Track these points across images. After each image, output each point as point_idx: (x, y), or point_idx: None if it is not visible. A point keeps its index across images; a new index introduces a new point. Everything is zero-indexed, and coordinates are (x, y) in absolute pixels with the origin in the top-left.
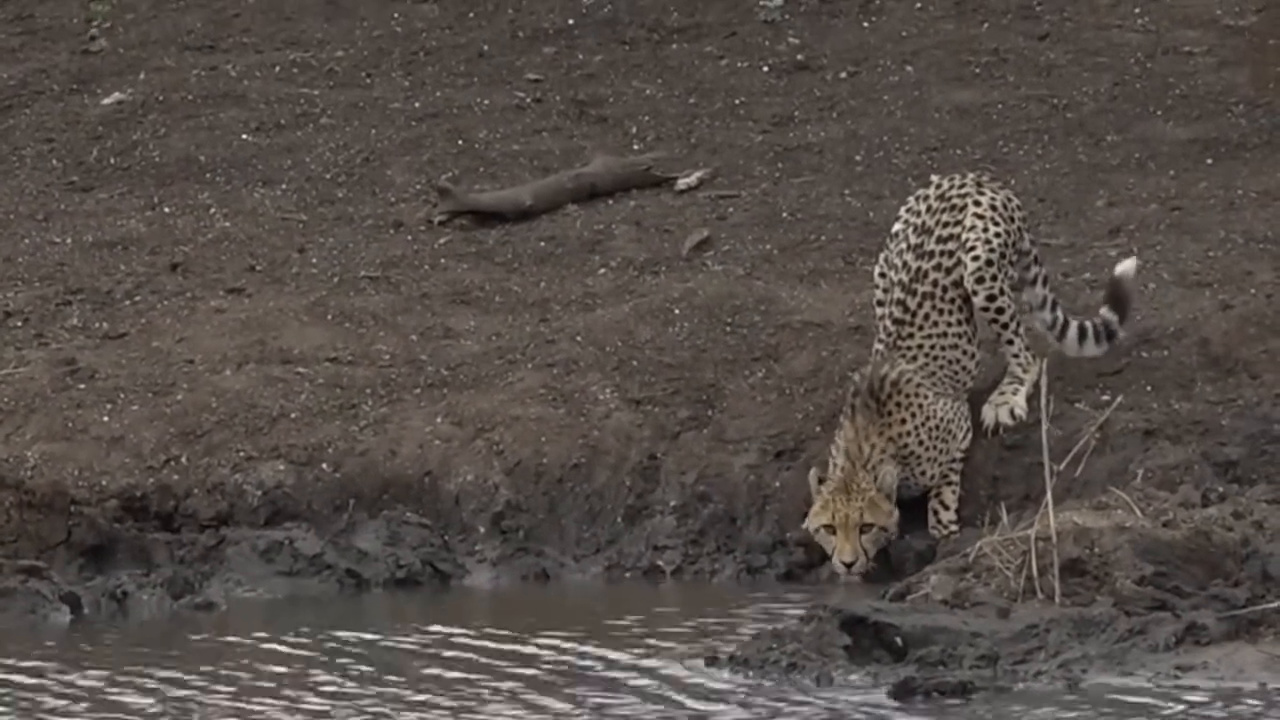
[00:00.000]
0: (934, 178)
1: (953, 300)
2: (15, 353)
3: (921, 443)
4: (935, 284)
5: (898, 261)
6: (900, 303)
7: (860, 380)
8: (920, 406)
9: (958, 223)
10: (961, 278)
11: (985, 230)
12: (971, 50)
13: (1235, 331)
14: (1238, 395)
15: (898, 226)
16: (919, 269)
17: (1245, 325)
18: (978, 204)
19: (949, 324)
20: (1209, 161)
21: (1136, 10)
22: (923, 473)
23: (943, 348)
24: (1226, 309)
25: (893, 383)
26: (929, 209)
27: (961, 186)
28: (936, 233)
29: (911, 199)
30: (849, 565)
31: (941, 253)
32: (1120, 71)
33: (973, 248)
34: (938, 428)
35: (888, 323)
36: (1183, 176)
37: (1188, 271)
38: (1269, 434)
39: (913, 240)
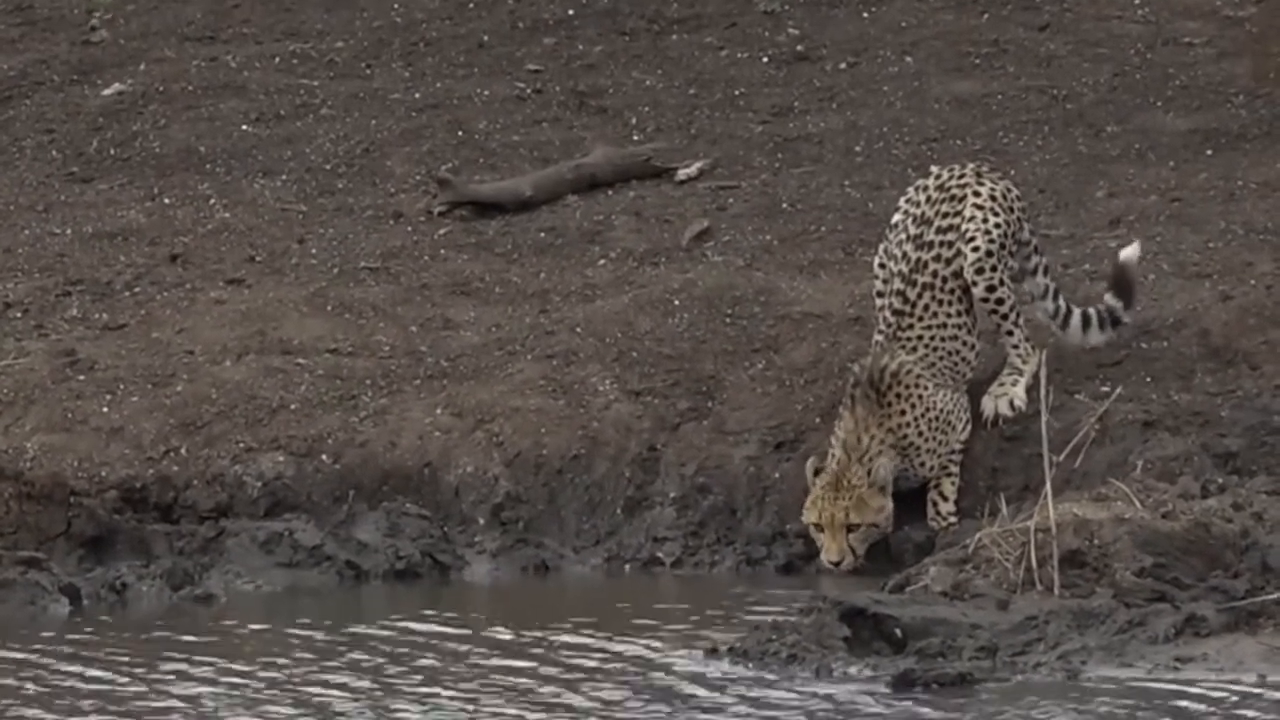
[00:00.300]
0: (933, 168)
1: (952, 291)
2: (15, 344)
3: (921, 434)
4: (935, 275)
5: (897, 252)
6: (900, 293)
7: (860, 371)
8: (920, 398)
9: (957, 213)
10: (961, 268)
11: (985, 221)
12: (971, 41)
13: (1235, 322)
14: (1237, 386)
15: (897, 217)
16: (918, 260)
17: (1245, 316)
18: (977, 194)
19: (949, 315)
20: (1209, 152)
21: (1136, 1)
22: (922, 464)
23: (942, 339)
24: (1226, 300)
25: (892, 374)
26: (928, 199)
27: (961, 177)
28: (936, 223)
29: (911, 189)
30: (835, 564)
31: (941, 243)
32: (1120, 62)
33: (972, 238)
34: (937, 419)
35: (887, 314)
36: (1183, 167)
37: (1187, 262)
38: (1269, 425)
39: (912, 231)
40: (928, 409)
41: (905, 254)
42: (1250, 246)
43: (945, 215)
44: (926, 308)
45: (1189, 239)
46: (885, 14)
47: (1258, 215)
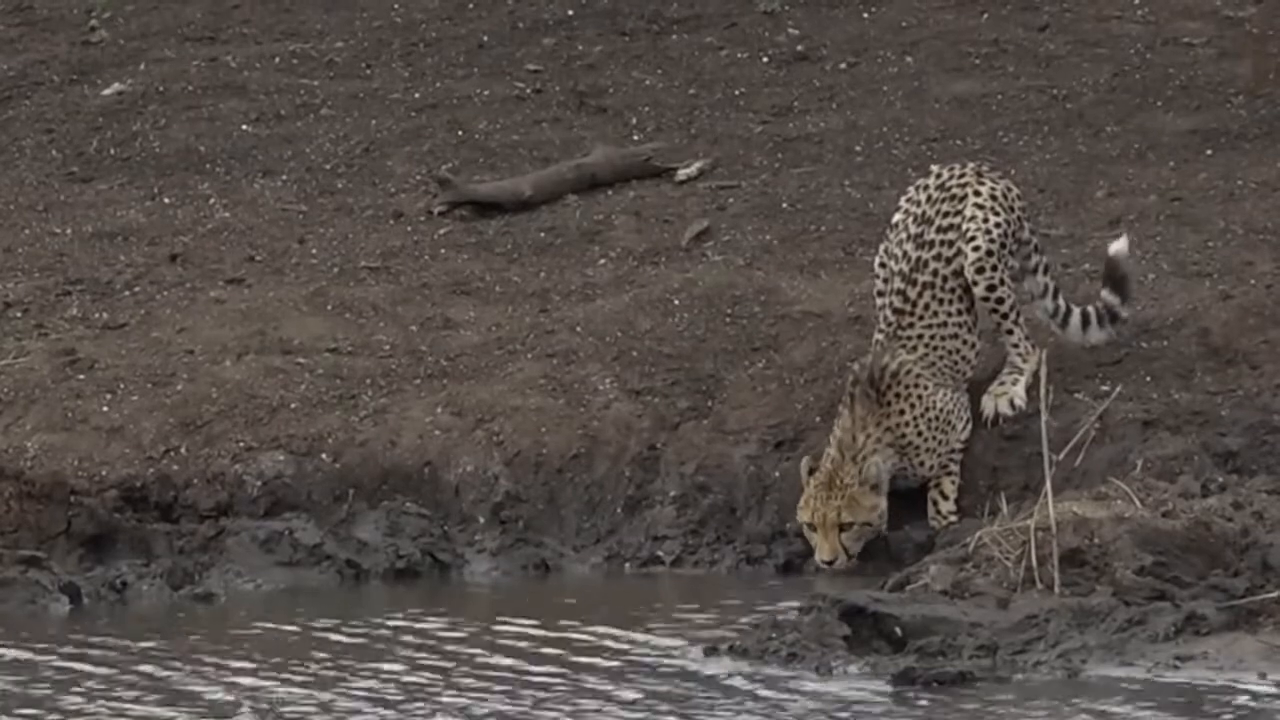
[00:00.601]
0: (934, 168)
1: (953, 290)
2: (15, 343)
3: (920, 433)
4: (935, 274)
5: (898, 251)
6: (900, 293)
7: (860, 370)
8: (920, 397)
9: (958, 212)
10: (961, 268)
11: (985, 220)
12: (971, 41)
13: (1235, 322)
14: (1237, 385)
15: (898, 216)
16: (919, 259)
17: (1245, 315)
18: (978, 194)
19: (949, 314)
20: (1209, 152)
21: (1136, 1)
22: (921, 463)
23: (943, 338)
24: (1226, 299)
25: (892, 373)
26: (929, 199)
27: (961, 176)
28: (936, 222)
29: (911, 189)
30: (828, 564)
31: (941, 242)
32: (1120, 62)
33: (973, 238)
34: (937, 418)
35: (888, 313)
36: (1182, 167)
37: (1187, 262)
38: (1268, 424)
39: (913, 230)
40: (927, 409)
41: (906, 253)
42: (1250, 246)
43: (946, 214)
44: (927, 307)
45: (1189, 239)
46: (885, 14)
47: (1257, 215)
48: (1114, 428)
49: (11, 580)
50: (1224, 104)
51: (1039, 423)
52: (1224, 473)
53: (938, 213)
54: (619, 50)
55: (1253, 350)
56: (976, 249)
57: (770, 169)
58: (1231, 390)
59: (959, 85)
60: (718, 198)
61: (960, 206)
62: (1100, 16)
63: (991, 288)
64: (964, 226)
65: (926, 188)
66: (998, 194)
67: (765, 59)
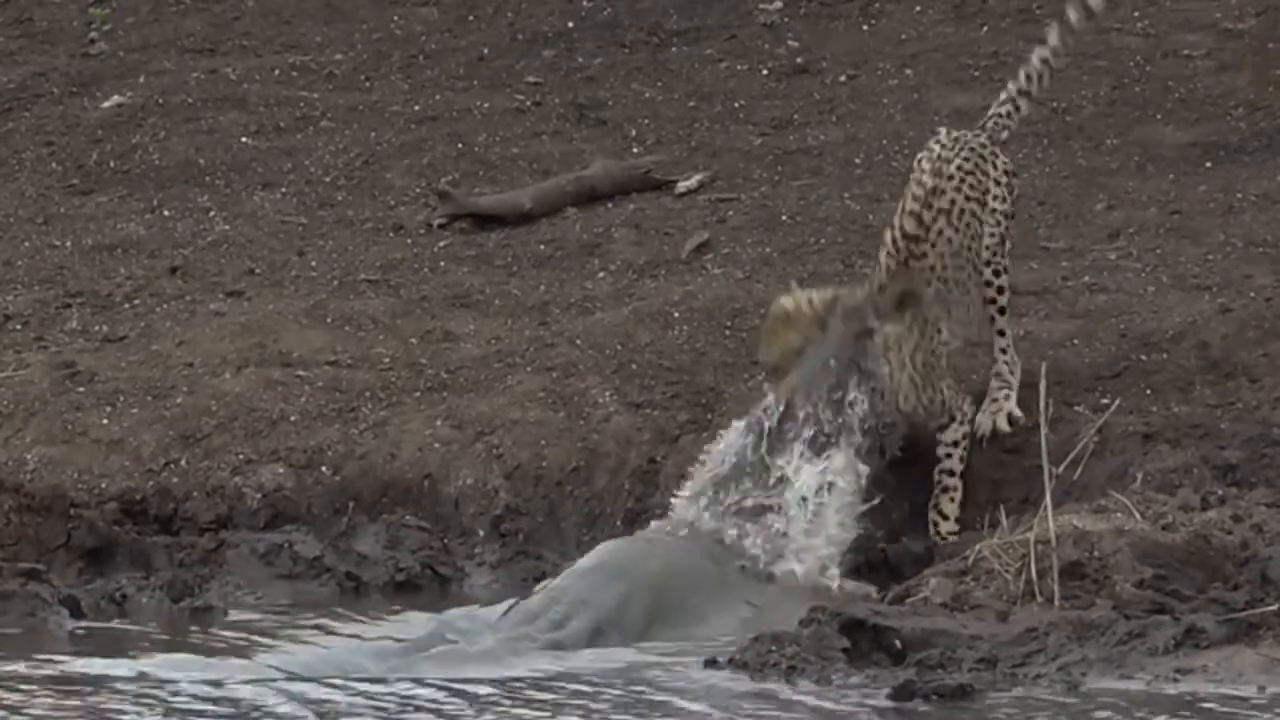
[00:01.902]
0: (941, 129)
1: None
2: (15, 355)
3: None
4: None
5: (908, 193)
6: (914, 215)
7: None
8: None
9: (982, 161)
10: (984, 195)
11: (1003, 202)
12: (970, 53)
13: (1234, 335)
14: (1237, 399)
15: (912, 177)
16: (935, 187)
17: (1245, 329)
18: (995, 167)
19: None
20: (1208, 165)
21: (1135, 14)
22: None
23: (958, 266)
24: (1226, 312)
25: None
26: (942, 148)
27: (977, 136)
28: (956, 162)
29: (923, 151)
30: None
31: (965, 173)
32: (1119, 75)
33: (993, 210)
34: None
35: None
36: (1182, 180)
37: (1187, 275)
38: (1268, 437)
39: (927, 178)
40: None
41: (921, 182)
42: (1249, 259)
43: (968, 159)
44: (940, 233)
45: (1188, 251)
46: (885, 26)
47: (1257, 228)
48: (1113, 441)
49: (11, 593)
50: (1224, 116)
51: (1038, 436)
52: (1223, 486)
53: (958, 154)
54: (618, 63)
55: (1252, 363)
56: (992, 235)
57: (770, 181)
58: (1231, 403)
59: (959, 98)
60: (717, 210)
61: (983, 164)
62: (1099, 29)
63: (996, 273)
64: (990, 189)
65: (941, 144)
66: (1007, 177)
67: (765, 71)
